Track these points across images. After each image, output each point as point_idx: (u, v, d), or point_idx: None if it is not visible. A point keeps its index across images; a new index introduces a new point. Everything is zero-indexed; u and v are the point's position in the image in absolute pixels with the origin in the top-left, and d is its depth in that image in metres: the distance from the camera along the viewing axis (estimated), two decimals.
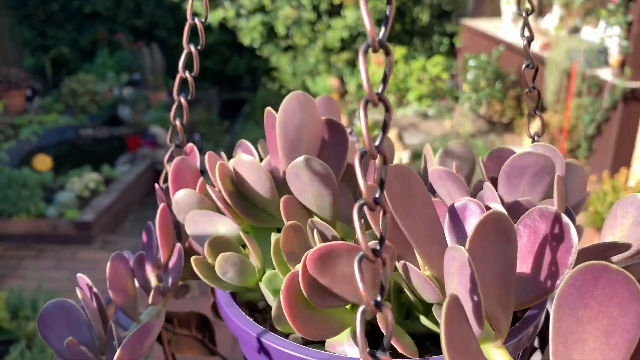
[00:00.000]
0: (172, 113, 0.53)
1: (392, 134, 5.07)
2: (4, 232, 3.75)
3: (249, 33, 6.65)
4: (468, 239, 0.35)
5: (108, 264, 0.45)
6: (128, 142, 5.16)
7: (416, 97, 6.12)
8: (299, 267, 0.39)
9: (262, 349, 0.42)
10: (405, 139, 5.29)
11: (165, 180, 0.55)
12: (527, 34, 0.53)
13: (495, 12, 6.05)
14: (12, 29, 6.64)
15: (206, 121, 5.68)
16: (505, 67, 5.17)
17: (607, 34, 4.19)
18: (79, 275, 0.48)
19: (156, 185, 0.54)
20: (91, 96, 5.75)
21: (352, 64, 6.59)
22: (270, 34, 6.72)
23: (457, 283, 0.34)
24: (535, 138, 0.57)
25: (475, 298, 0.33)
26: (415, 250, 0.40)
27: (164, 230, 0.49)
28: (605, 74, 4.10)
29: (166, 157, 0.55)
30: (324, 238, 0.43)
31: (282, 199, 0.46)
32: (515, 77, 5.16)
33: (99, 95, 5.81)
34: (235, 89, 7.23)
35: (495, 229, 0.36)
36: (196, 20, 0.50)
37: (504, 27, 5.65)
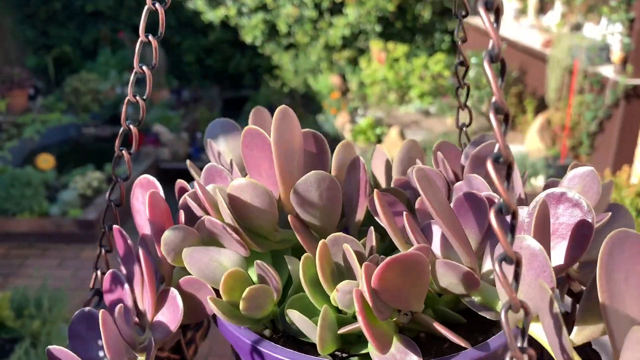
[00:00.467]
0: (117, 143, 0.48)
1: (393, 131, 5.08)
2: (8, 231, 3.77)
3: (251, 31, 6.65)
4: (533, 230, 0.39)
5: (102, 328, 0.40)
6: None
7: (418, 94, 6.12)
8: (349, 283, 0.40)
9: None
10: (408, 136, 5.30)
11: (108, 219, 0.49)
12: (460, 34, 0.58)
13: None
14: (15, 28, 6.65)
15: (208, 120, 5.69)
16: (508, 64, 5.16)
17: (609, 31, 4.18)
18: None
19: (116, 227, 0.48)
20: (94, 95, 5.76)
21: (354, 61, 6.60)
22: (272, 32, 6.72)
23: (527, 269, 0.37)
24: (463, 128, 0.62)
25: (550, 280, 0.37)
26: (454, 246, 0.42)
27: (152, 277, 0.44)
28: (607, 71, 4.10)
29: (108, 193, 0.49)
30: (355, 252, 0.43)
31: (291, 218, 0.45)
32: (517, 74, 5.16)
33: (102, 94, 5.82)
34: (237, 87, 7.23)
35: (543, 219, 0.40)
36: (150, 37, 0.47)
37: (505, 25, 5.64)
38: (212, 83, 7.07)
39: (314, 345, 0.42)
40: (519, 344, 0.29)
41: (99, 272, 0.50)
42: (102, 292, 0.48)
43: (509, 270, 0.29)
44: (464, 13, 0.57)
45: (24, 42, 6.75)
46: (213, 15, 6.60)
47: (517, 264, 0.29)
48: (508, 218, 0.30)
